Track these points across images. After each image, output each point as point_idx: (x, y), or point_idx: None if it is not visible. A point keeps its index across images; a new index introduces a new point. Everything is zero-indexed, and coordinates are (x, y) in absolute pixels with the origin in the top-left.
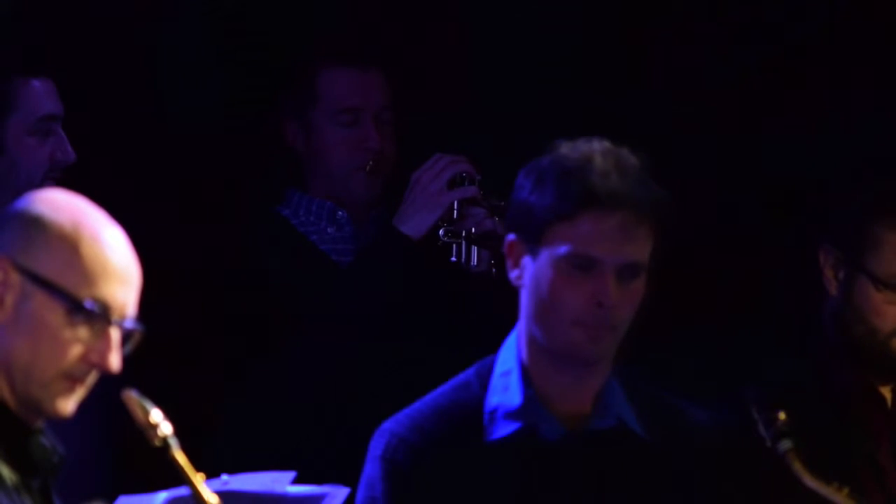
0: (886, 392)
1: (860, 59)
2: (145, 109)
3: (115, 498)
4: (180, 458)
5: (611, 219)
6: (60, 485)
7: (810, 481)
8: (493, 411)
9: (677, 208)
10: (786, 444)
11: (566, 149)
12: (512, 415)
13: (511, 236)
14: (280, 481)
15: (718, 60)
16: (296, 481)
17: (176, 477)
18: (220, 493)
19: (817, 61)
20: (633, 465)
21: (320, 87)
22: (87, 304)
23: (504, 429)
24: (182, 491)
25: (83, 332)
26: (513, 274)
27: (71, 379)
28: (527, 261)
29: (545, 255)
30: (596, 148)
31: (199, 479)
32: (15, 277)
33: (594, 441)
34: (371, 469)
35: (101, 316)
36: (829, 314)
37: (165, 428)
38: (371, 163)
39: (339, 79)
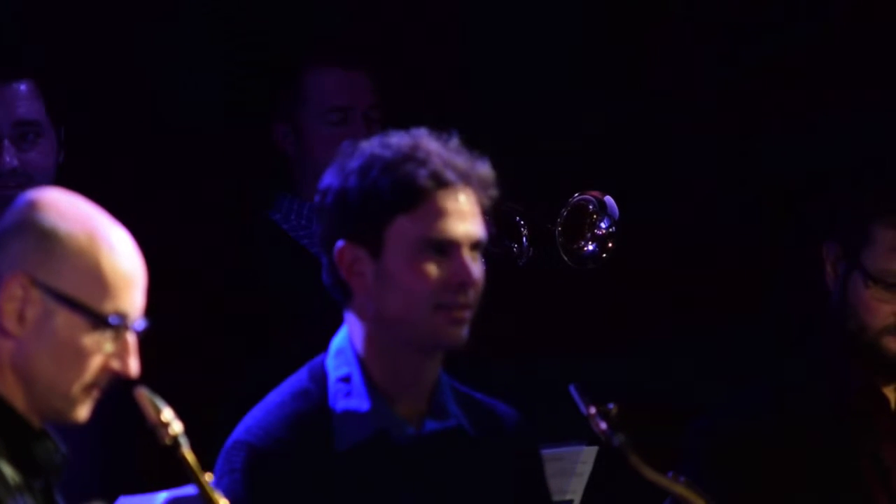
0: (890, 393)
1: (860, 59)
2: (143, 110)
3: (115, 498)
4: (190, 457)
5: (457, 197)
6: (62, 485)
7: (649, 473)
8: (341, 418)
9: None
10: (621, 437)
11: (373, 147)
12: (362, 420)
13: (339, 243)
14: None
15: (718, 60)
16: None
17: (177, 477)
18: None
19: (817, 61)
20: (470, 462)
21: (308, 88)
22: (112, 319)
23: (355, 435)
24: (182, 491)
25: (105, 343)
26: (354, 282)
27: (92, 388)
28: (366, 264)
29: (391, 252)
30: (416, 135)
31: (207, 479)
32: (35, 294)
33: (438, 441)
34: (232, 483)
35: (122, 326)
36: (829, 311)
37: (176, 427)
38: None
39: (326, 78)
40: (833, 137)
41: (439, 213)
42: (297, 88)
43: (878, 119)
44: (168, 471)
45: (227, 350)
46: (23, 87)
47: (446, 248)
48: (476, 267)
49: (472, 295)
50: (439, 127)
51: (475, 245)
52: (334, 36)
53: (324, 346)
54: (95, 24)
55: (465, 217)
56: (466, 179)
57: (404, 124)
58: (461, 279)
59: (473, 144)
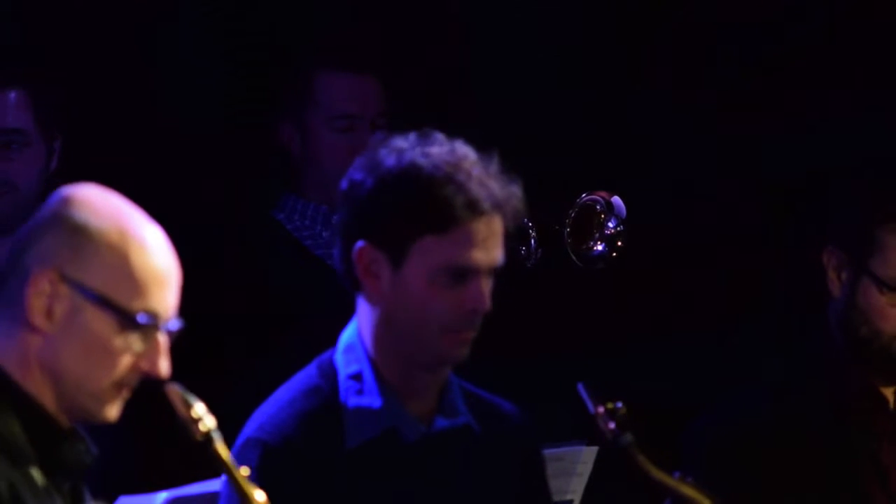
0: (889, 393)
1: (860, 59)
2: (144, 110)
3: (115, 498)
4: (223, 452)
5: (489, 225)
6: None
7: (656, 474)
8: (353, 415)
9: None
10: (628, 437)
11: (414, 153)
12: (373, 418)
13: (361, 243)
14: None
15: (719, 60)
16: None
17: (176, 477)
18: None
19: (817, 61)
20: (476, 460)
21: (318, 92)
22: (140, 317)
23: (366, 432)
24: (182, 491)
25: (134, 342)
26: (368, 282)
27: (121, 387)
28: (384, 269)
29: (412, 266)
30: (458, 152)
31: (242, 474)
32: (64, 289)
33: (447, 439)
34: None
35: (152, 326)
36: (833, 316)
37: (209, 422)
38: None
39: (337, 84)
40: (833, 137)
41: (468, 241)
42: (306, 91)
43: (878, 119)
44: (168, 470)
45: (228, 350)
46: (12, 95)
47: (466, 274)
48: (488, 291)
49: (480, 318)
50: (440, 128)
51: (493, 271)
52: (344, 39)
53: (326, 346)
54: (100, 23)
55: (490, 245)
56: (500, 209)
57: (406, 126)
58: (475, 307)
59: (475, 146)
